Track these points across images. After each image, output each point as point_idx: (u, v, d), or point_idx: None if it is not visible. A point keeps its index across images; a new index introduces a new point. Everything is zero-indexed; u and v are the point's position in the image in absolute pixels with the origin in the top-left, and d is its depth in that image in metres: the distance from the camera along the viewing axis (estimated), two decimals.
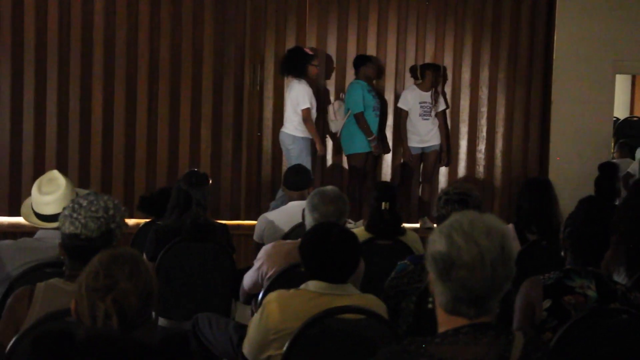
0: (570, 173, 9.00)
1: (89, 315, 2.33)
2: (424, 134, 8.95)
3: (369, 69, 8.81)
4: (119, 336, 2.25)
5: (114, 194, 8.08)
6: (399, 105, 9.06)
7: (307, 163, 8.11)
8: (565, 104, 9.37)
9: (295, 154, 8.28)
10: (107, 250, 2.50)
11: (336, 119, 8.76)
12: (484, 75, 9.39)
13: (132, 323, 2.33)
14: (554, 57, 9.39)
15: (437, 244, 2.23)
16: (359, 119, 8.60)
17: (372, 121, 8.73)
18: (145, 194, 6.25)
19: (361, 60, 8.81)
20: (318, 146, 8.42)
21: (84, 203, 3.14)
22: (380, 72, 9.13)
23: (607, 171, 6.54)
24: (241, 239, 7.80)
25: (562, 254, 3.56)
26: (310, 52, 8.55)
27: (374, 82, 9.03)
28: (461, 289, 2.19)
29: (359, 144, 8.68)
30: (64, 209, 3.20)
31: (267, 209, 7.36)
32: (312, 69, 8.49)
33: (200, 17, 8.77)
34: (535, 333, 3.29)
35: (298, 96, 8.32)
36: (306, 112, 8.30)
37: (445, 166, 9.24)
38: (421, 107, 8.93)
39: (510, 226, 5.04)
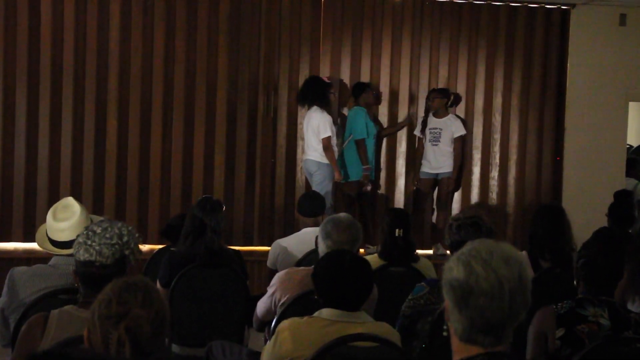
0: (584, 200, 8.98)
1: (102, 343, 2.34)
2: (432, 160, 8.95)
3: (369, 96, 8.84)
4: None
5: (128, 220, 8.11)
6: (415, 132, 9.13)
7: (328, 189, 8.15)
8: (579, 131, 9.38)
9: (318, 180, 8.30)
10: (120, 278, 2.51)
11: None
12: (497, 102, 9.40)
13: (145, 351, 2.33)
14: (567, 85, 9.42)
15: (454, 271, 2.21)
16: (360, 145, 8.62)
17: (372, 149, 8.77)
18: (169, 220, 6.25)
19: (361, 88, 8.85)
20: (337, 174, 8.42)
21: (98, 230, 3.15)
22: (378, 99, 9.15)
23: (622, 198, 6.53)
24: (254, 265, 7.80)
25: (575, 283, 3.55)
26: (328, 80, 8.60)
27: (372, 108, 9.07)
28: (478, 318, 2.18)
29: (356, 173, 8.70)
30: (78, 236, 3.21)
31: (280, 236, 7.36)
32: (332, 97, 8.56)
33: (214, 44, 8.82)
34: None
35: (320, 124, 8.34)
36: (327, 141, 8.33)
37: (451, 192, 9.18)
38: (431, 132, 8.95)
39: (524, 253, 5.03)
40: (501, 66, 9.38)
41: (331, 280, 3.44)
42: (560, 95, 9.47)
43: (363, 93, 8.81)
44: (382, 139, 9.22)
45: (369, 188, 8.77)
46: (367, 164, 8.65)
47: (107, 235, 3.14)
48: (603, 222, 6.36)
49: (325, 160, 8.39)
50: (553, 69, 9.45)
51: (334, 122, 8.62)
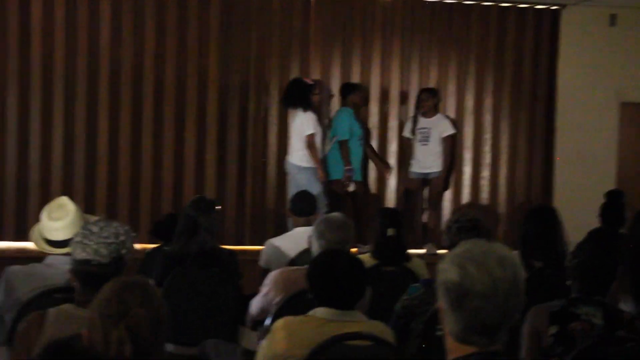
0: (575, 200, 9.01)
1: (102, 342, 2.35)
2: (422, 160, 8.95)
3: (357, 97, 8.85)
4: None
5: (119, 219, 8.08)
6: (403, 134, 9.13)
7: (317, 190, 8.09)
8: (570, 130, 9.42)
9: (304, 182, 8.24)
10: (119, 277, 2.53)
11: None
12: (488, 101, 9.43)
13: (145, 350, 2.35)
14: (558, 85, 9.46)
15: (449, 273, 2.22)
16: (343, 146, 8.61)
17: (357, 150, 8.74)
18: (159, 219, 6.26)
19: (349, 88, 8.86)
20: (319, 173, 8.41)
21: (95, 229, 3.16)
22: (366, 100, 9.16)
23: (614, 198, 6.55)
24: (246, 264, 7.79)
25: (569, 283, 3.58)
26: (311, 82, 8.58)
27: (360, 109, 9.05)
28: (473, 319, 2.18)
29: (338, 172, 8.69)
30: (76, 235, 3.22)
31: (272, 235, 7.36)
32: (314, 98, 8.54)
33: (205, 44, 8.82)
34: None
35: (303, 124, 8.36)
36: (310, 138, 8.34)
37: (441, 192, 9.18)
38: (420, 132, 8.94)
39: (516, 253, 5.05)
40: (491, 66, 9.42)
41: (326, 280, 3.46)
42: (550, 95, 9.51)
43: (351, 94, 8.82)
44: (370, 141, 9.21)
45: (350, 188, 8.76)
46: (349, 165, 8.65)
47: (104, 234, 3.15)
48: (594, 221, 6.38)
49: (306, 164, 8.38)
50: (543, 69, 9.49)
51: (321, 122, 8.61)
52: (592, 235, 3.78)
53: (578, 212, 7.87)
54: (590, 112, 9.45)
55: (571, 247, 4.62)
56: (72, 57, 8.54)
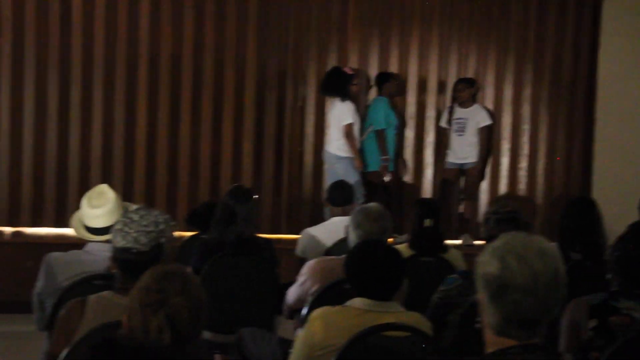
0: (615, 192, 8.90)
1: (142, 329, 2.37)
2: (458, 150, 8.89)
3: (392, 86, 8.80)
4: (171, 350, 2.29)
5: (157, 207, 8.14)
6: (440, 123, 9.08)
7: (354, 180, 8.06)
8: (610, 122, 9.29)
9: (341, 172, 8.24)
10: (158, 266, 2.55)
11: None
12: (527, 92, 9.35)
13: (184, 338, 2.37)
14: (598, 75, 9.34)
15: (488, 265, 2.21)
16: (380, 135, 8.58)
17: (393, 139, 8.73)
18: (195, 207, 6.28)
19: (384, 77, 8.81)
20: (357, 162, 8.41)
21: (136, 217, 3.19)
22: (402, 89, 9.11)
23: None
24: (282, 253, 7.80)
25: (609, 276, 3.55)
26: (350, 72, 8.55)
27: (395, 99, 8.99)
28: (513, 312, 2.17)
29: (376, 163, 8.65)
30: (116, 223, 3.25)
31: (308, 224, 7.37)
32: (353, 88, 8.52)
33: (243, 32, 8.83)
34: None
35: (341, 114, 8.35)
36: (348, 128, 8.33)
37: (477, 182, 9.11)
38: (456, 123, 8.88)
39: (554, 245, 5.02)
40: (531, 56, 9.32)
41: (364, 270, 3.46)
42: (590, 85, 9.39)
43: (386, 83, 8.78)
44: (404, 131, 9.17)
45: (387, 178, 8.72)
46: (386, 155, 8.62)
47: (144, 223, 3.18)
48: (634, 214, 6.31)
49: (343, 154, 8.38)
50: (584, 59, 9.37)
51: (359, 113, 8.59)
52: (633, 228, 3.73)
53: (618, 204, 7.79)
54: (631, 102, 9.31)
55: (611, 240, 4.58)
56: (112, 46, 8.59)
